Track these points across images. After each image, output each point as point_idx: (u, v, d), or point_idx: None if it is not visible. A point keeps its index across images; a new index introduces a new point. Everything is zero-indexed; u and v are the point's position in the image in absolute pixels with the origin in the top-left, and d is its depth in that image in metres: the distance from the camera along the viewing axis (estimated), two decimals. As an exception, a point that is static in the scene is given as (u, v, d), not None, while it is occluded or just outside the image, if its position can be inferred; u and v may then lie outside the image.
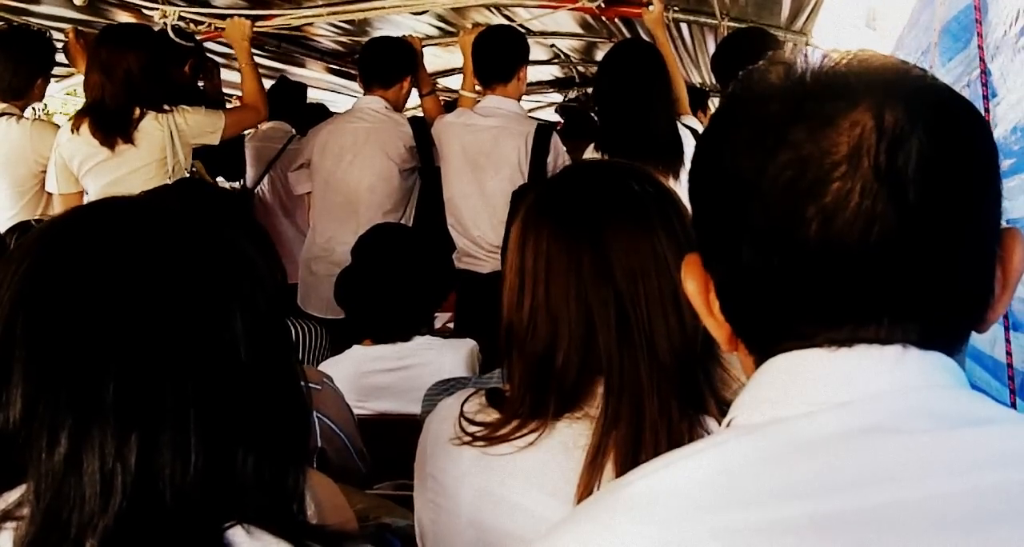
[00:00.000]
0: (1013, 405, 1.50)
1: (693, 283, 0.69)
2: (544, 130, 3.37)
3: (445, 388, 1.72)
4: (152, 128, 3.03)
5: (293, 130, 4.13)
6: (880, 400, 0.59)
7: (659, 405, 1.04)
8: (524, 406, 1.09)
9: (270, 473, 0.79)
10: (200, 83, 3.87)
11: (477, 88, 3.57)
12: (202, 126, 3.14)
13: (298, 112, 4.32)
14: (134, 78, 2.99)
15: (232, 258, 0.82)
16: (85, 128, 3.02)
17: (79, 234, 0.80)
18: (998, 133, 1.56)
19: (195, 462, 0.74)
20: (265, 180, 4.16)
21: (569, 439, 1.07)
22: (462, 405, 1.15)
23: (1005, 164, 1.53)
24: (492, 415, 1.12)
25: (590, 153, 3.14)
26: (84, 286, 0.76)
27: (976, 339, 1.68)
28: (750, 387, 0.65)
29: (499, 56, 3.39)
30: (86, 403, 0.73)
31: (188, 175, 3.10)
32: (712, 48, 4.01)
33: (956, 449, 0.57)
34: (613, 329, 1.06)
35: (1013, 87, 1.50)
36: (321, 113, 4.63)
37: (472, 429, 1.11)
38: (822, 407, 0.59)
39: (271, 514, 0.77)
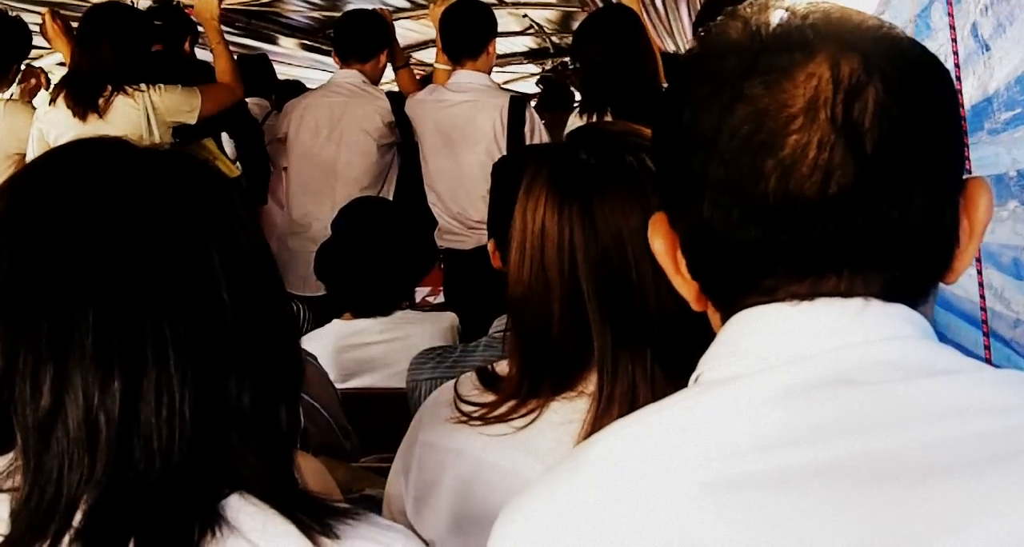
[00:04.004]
0: (987, 346, 1.52)
1: (660, 241, 0.69)
2: (518, 102, 3.36)
3: (431, 357, 1.71)
4: (126, 106, 3.02)
5: (269, 106, 4.09)
6: (842, 352, 0.59)
7: (653, 388, 1.03)
8: (523, 385, 1.08)
9: (264, 414, 0.78)
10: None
11: (449, 62, 3.55)
12: (178, 105, 3.13)
13: (269, 84, 4.27)
14: (107, 56, 2.99)
15: (209, 198, 0.80)
16: (61, 100, 3.03)
17: (52, 176, 0.79)
18: (999, 83, 1.54)
19: (180, 408, 0.73)
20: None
21: (565, 417, 1.06)
22: (456, 387, 1.14)
23: (1007, 115, 1.52)
24: (487, 396, 1.11)
25: (574, 119, 3.12)
26: (56, 227, 0.75)
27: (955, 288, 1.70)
28: (716, 343, 0.66)
29: (467, 32, 3.37)
30: (65, 350, 0.72)
31: None
32: (685, 15, 4.00)
33: (921, 400, 0.57)
34: (606, 314, 1.04)
35: (1019, 37, 1.48)
36: (298, 90, 4.58)
37: (468, 409, 1.10)
38: (785, 361, 0.60)
39: (266, 469, 0.77)
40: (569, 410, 1.06)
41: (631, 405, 1.02)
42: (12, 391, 0.73)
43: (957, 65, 1.61)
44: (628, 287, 1.04)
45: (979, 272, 1.52)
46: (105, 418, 0.72)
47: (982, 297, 1.52)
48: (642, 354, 1.04)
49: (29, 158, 3.15)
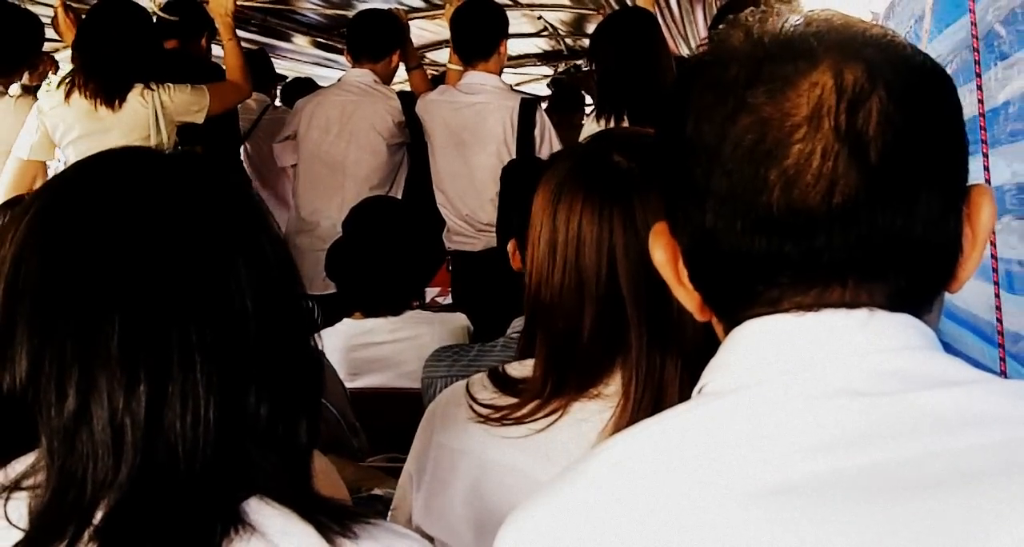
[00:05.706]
0: (1003, 367, 1.50)
1: (661, 252, 0.69)
2: (529, 104, 3.35)
3: (448, 355, 1.71)
4: (137, 105, 3.02)
5: (268, 100, 4.10)
6: (848, 363, 0.59)
7: (680, 393, 1.03)
8: (548, 387, 1.08)
9: (283, 426, 0.78)
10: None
11: (461, 63, 3.55)
12: (187, 104, 3.13)
13: (268, 78, 4.28)
14: (122, 52, 2.99)
15: (235, 206, 0.81)
16: (76, 95, 3.01)
17: (82, 183, 0.80)
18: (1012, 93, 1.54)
19: (205, 414, 0.74)
20: (240, 151, 4.10)
21: (582, 416, 1.06)
22: (468, 389, 1.14)
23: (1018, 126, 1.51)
24: (504, 398, 1.11)
25: (590, 123, 3.11)
26: (86, 233, 0.76)
27: (974, 306, 1.68)
28: (720, 354, 0.65)
29: (478, 33, 3.37)
30: (91, 353, 0.73)
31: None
32: (700, 19, 3.99)
33: (928, 411, 0.57)
34: (643, 316, 1.05)
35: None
36: (309, 87, 4.60)
37: (486, 411, 1.10)
38: (791, 372, 0.60)
39: (284, 477, 0.77)
40: (585, 411, 1.06)
41: (655, 408, 1.02)
42: (37, 393, 0.74)
43: (979, 74, 1.60)
44: (666, 290, 1.04)
45: (996, 283, 1.50)
46: (131, 421, 0.72)
47: (998, 308, 1.50)
48: (673, 359, 1.04)
49: (19, 149, 3.12)
